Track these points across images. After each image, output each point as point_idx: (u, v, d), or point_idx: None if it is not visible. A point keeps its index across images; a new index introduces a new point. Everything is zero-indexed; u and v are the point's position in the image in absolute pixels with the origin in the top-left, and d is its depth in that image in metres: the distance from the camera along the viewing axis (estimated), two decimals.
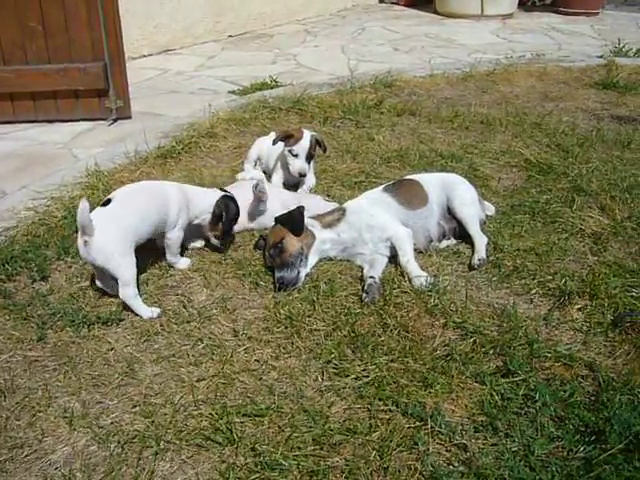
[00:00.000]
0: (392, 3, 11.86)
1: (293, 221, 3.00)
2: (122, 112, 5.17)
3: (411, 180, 3.38)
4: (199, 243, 3.23)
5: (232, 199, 3.16)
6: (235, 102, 5.47)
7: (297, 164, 3.69)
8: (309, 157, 3.72)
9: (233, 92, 6.00)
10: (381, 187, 3.32)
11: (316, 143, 3.77)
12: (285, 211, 3.12)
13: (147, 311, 2.73)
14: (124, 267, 2.69)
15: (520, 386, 2.28)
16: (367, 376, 2.34)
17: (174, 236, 3.00)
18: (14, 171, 4.26)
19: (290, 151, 3.69)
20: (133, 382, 2.36)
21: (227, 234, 3.16)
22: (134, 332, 2.63)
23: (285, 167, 3.80)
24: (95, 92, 5.07)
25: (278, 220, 3.04)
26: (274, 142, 3.72)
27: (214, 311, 2.76)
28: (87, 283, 2.93)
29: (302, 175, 3.72)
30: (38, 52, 4.86)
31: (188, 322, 2.68)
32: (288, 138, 3.69)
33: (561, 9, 10.64)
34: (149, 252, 3.05)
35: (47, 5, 4.80)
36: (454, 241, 3.28)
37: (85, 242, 2.63)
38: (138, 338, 2.59)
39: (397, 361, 2.41)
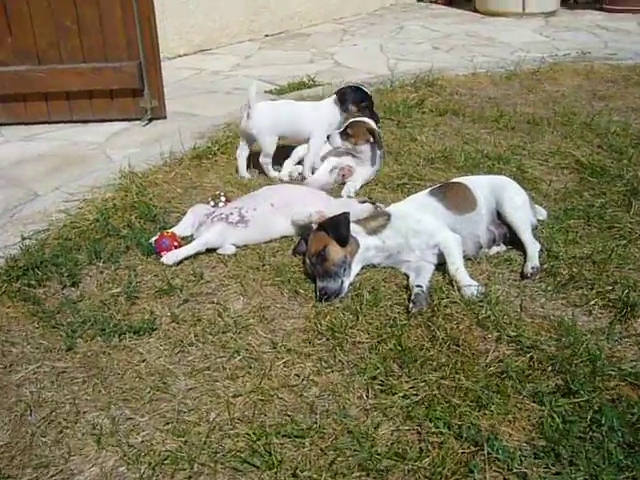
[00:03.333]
0: (430, 2, 11.64)
1: (339, 229, 2.83)
2: (157, 112, 5.08)
3: (458, 183, 3.19)
4: (230, 250, 3.08)
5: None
6: None
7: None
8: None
9: (270, 92, 5.88)
10: (427, 191, 3.15)
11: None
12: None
13: (274, 172, 3.99)
14: (268, 143, 3.86)
15: (583, 408, 2.09)
16: (416, 394, 2.16)
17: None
18: (47, 172, 4.19)
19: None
20: (165, 397, 2.22)
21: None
22: (167, 342, 2.49)
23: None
24: (130, 92, 4.99)
25: (322, 226, 2.88)
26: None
27: (251, 321, 2.61)
28: (119, 289, 2.81)
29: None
30: (73, 51, 4.80)
31: (224, 332, 2.54)
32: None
33: (605, 6, 10.30)
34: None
35: (82, 4, 4.76)
36: (504, 247, 3.09)
37: (248, 115, 3.80)
38: (171, 349, 2.46)
39: (448, 378, 2.23)
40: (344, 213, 2.93)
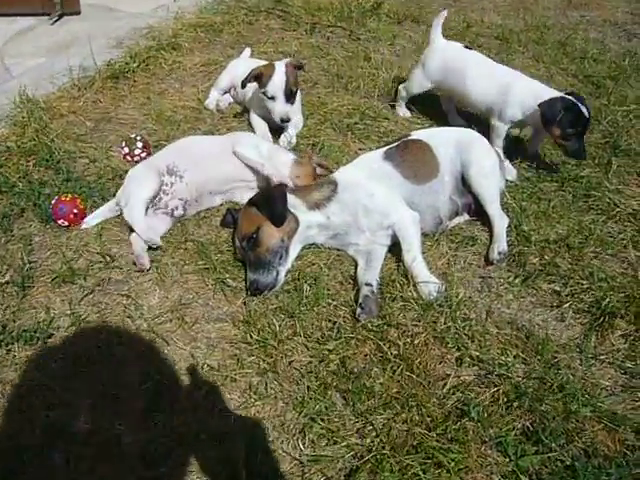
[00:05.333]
0: None
1: (273, 206, 2.35)
2: (69, 6, 4.29)
3: (419, 142, 2.70)
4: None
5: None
6: None
7: (277, 108, 2.99)
8: (289, 95, 3.00)
9: None
10: (381, 151, 2.65)
11: (295, 70, 3.06)
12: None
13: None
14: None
15: (553, 461, 1.79)
16: (361, 444, 1.82)
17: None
18: None
19: (264, 93, 2.98)
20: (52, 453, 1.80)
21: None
22: (65, 355, 2.06)
23: (264, 106, 3.09)
24: None
25: (253, 203, 2.39)
26: (243, 85, 3.01)
27: (168, 325, 2.19)
28: (9, 275, 2.32)
29: (285, 121, 3.01)
30: None
31: (134, 342, 2.10)
32: (259, 78, 2.97)
33: None
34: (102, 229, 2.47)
35: None
36: (467, 217, 2.69)
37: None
38: (71, 366, 2.02)
39: (399, 420, 1.88)
40: (279, 185, 2.45)
